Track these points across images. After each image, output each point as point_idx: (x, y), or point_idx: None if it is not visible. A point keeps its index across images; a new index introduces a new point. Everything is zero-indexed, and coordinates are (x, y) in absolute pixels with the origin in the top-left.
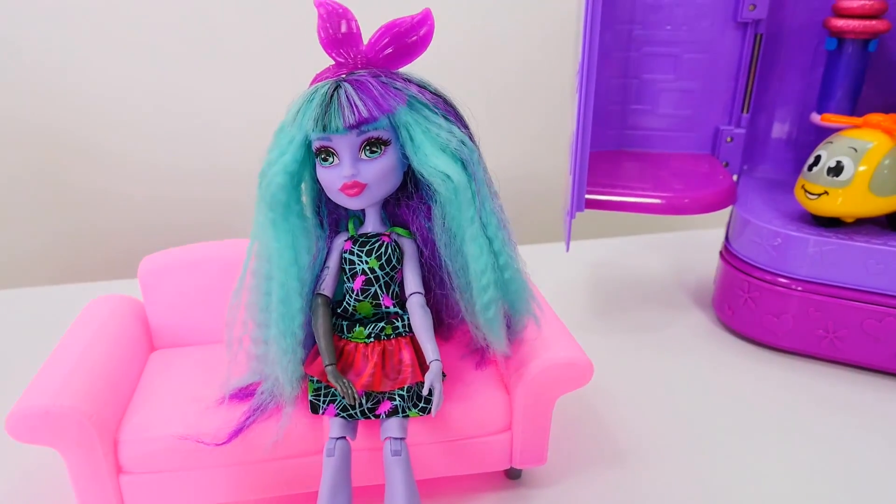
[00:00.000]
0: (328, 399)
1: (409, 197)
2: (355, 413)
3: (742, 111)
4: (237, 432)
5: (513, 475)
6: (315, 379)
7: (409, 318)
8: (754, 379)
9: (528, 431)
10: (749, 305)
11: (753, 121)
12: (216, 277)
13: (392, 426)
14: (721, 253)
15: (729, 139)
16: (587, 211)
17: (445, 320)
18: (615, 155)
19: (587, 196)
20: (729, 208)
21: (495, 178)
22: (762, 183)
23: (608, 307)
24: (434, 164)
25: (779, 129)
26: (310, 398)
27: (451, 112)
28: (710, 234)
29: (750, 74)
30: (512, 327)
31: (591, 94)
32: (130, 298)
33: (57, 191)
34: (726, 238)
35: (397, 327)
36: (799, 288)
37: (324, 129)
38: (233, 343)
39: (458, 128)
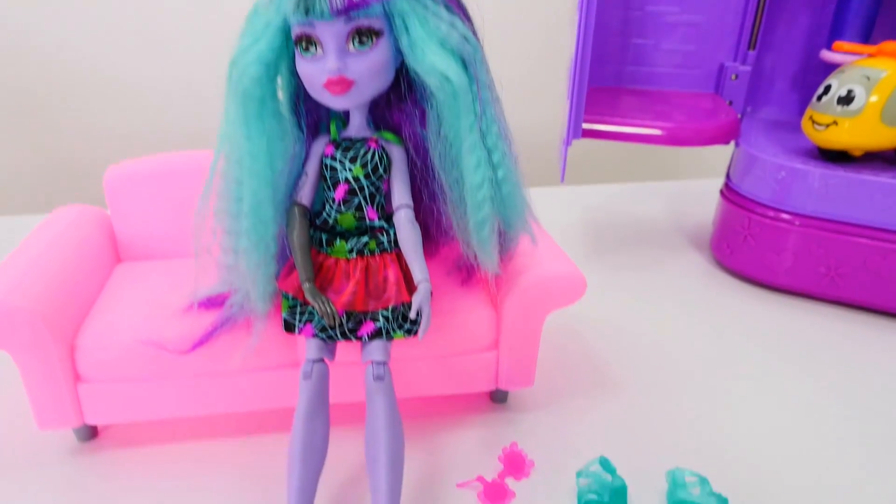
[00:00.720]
0: (305, 318)
1: (400, 99)
2: (334, 334)
3: (748, 48)
4: (202, 342)
5: (498, 398)
6: (290, 296)
7: (395, 233)
8: (749, 317)
9: (516, 351)
10: (749, 243)
11: (760, 59)
12: (187, 188)
13: (375, 349)
14: (721, 191)
15: (734, 77)
16: (584, 155)
17: (434, 235)
18: (615, 90)
19: (584, 125)
20: (730, 153)
21: None
22: (766, 123)
23: (603, 248)
24: (432, 61)
25: (786, 69)
26: (284, 316)
27: (453, 1)
28: (709, 183)
29: (759, 9)
30: (505, 245)
31: (592, 23)
32: (96, 209)
33: (33, 119)
34: (727, 177)
35: (382, 242)
36: (801, 224)
37: (306, 14)
38: (201, 251)
39: (461, 20)
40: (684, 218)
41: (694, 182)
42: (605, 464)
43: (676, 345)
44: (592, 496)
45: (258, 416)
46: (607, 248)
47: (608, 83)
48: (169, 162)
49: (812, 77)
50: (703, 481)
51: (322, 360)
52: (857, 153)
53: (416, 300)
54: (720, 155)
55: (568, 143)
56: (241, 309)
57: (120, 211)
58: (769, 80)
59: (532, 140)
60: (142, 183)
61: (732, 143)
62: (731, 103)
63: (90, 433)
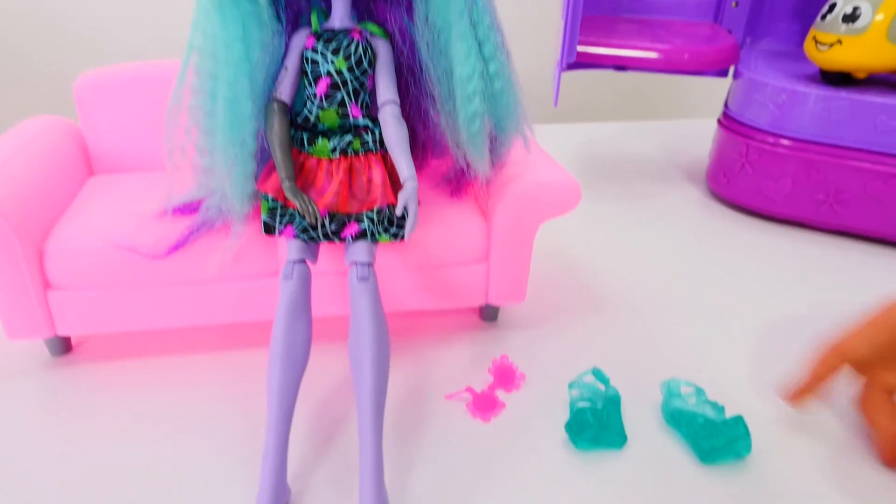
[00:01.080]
0: (285, 220)
1: None
2: (316, 235)
3: None
4: (177, 247)
5: (488, 316)
6: (270, 197)
7: (380, 133)
8: (744, 244)
9: (507, 263)
10: (746, 171)
11: None
12: (161, 98)
13: (359, 250)
14: (719, 121)
15: (734, 4)
16: (579, 93)
17: (421, 139)
18: (612, 19)
19: (579, 48)
20: (726, 91)
21: None
22: (767, 53)
23: (597, 182)
24: None
25: None
26: (263, 218)
27: None
28: (704, 123)
29: None
30: (496, 150)
31: None
32: (67, 120)
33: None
34: (725, 107)
35: (367, 142)
36: (801, 149)
37: None
38: (174, 152)
39: None
40: (678, 155)
41: (688, 122)
42: (598, 374)
43: (670, 268)
44: (584, 403)
45: (236, 329)
46: (601, 182)
47: (606, 12)
48: (143, 70)
49: (814, 8)
50: (699, 391)
51: (304, 262)
52: (861, 75)
53: (402, 197)
54: (715, 95)
55: (562, 66)
56: (219, 212)
57: (91, 121)
58: (770, 9)
59: (525, 75)
60: (114, 92)
61: (730, 76)
62: (730, 32)
63: (63, 346)
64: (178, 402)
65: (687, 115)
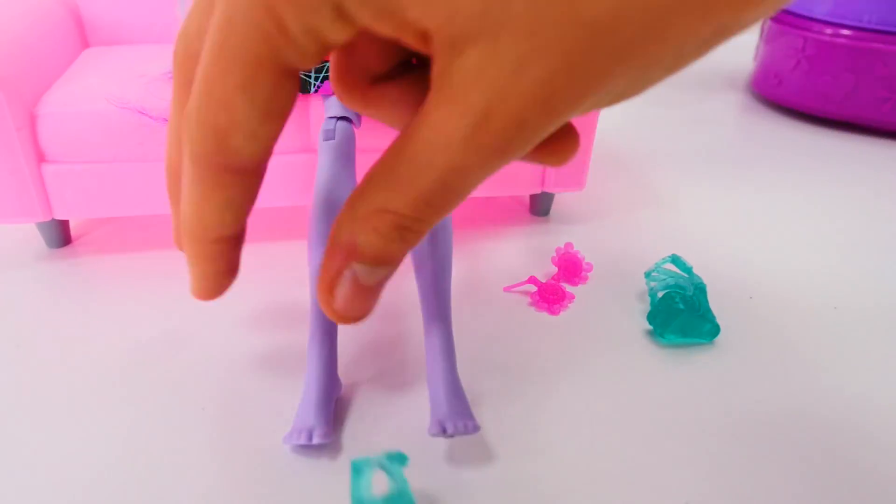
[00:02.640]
0: (322, 74)
1: None
2: None
3: None
4: None
5: (541, 209)
6: None
7: None
8: (796, 148)
9: None
10: (802, 68)
11: None
12: None
13: None
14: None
15: None
16: None
17: None
18: None
19: None
20: None
21: None
22: None
23: None
24: None
25: None
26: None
27: None
28: (746, 36)
29: None
30: None
31: None
32: None
33: None
34: None
35: None
36: (865, 39)
37: None
38: None
39: None
40: (712, 64)
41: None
42: (677, 262)
43: (719, 170)
44: (676, 289)
45: (259, 217)
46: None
47: None
48: None
49: None
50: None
51: (347, 119)
52: None
53: None
54: None
55: None
56: None
57: None
58: None
59: None
60: None
61: None
62: None
63: (61, 236)
64: (183, 294)
65: None
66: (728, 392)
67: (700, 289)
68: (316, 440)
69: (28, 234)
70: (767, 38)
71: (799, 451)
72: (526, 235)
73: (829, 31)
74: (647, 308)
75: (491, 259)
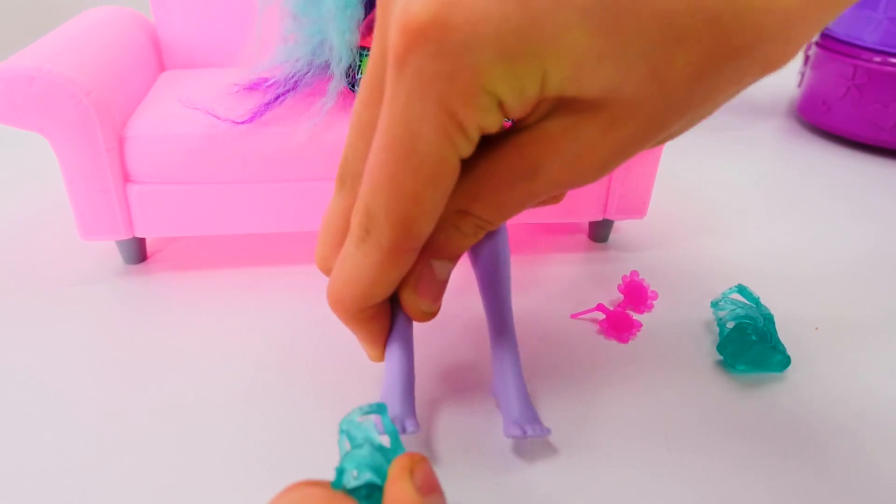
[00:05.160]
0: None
1: None
2: None
3: None
4: (262, 111)
5: (600, 235)
6: None
7: None
8: (847, 176)
9: (632, 174)
10: (852, 95)
11: None
12: None
13: None
14: (817, 44)
15: None
16: None
17: None
18: None
19: None
20: None
21: None
22: None
23: None
24: None
25: None
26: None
27: None
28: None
29: None
30: None
31: None
32: (134, 11)
33: None
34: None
35: None
36: None
37: None
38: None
39: None
40: (754, 89)
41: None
42: (744, 292)
43: (771, 196)
44: (748, 321)
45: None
46: None
47: None
48: None
49: None
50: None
51: None
52: None
53: None
54: None
55: None
56: (311, 66)
57: (164, 13)
58: None
59: None
60: None
61: None
62: None
63: (139, 253)
64: (254, 309)
65: None
66: (801, 424)
67: (769, 319)
68: (409, 429)
69: (108, 251)
70: (814, 65)
71: (868, 480)
72: (587, 262)
73: (878, 59)
74: (715, 338)
75: (555, 285)
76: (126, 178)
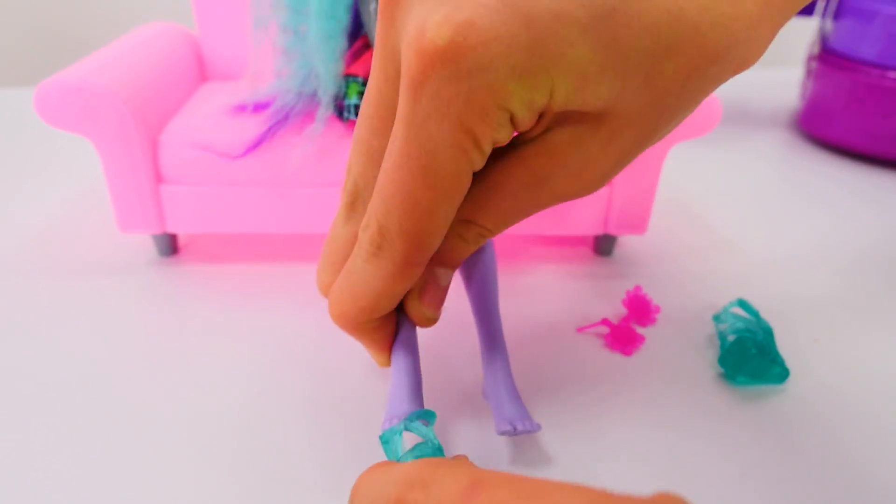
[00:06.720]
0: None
1: None
2: None
3: None
4: (255, 146)
5: (604, 249)
6: (361, 80)
7: None
8: (848, 188)
9: (633, 188)
10: (853, 108)
11: None
12: None
13: None
14: (818, 57)
15: None
16: None
17: None
18: None
19: None
20: (812, 26)
21: None
22: None
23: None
24: None
25: None
26: (354, 103)
27: None
28: (779, 73)
29: None
30: None
31: None
32: (181, 27)
33: None
34: (821, 42)
35: None
36: None
37: None
38: (259, 33)
39: None
40: (755, 102)
41: (765, 70)
42: (744, 306)
43: (775, 209)
44: (748, 334)
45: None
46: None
47: None
48: None
49: None
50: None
51: None
52: None
53: None
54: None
55: None
56: (300, 97)
57: (208, 26)
58: None
59: None
60: None
61: (817, 12)
62: None
63: (171, 246)
64: (283, 304)
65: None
66: (801, 434)
67: (768, 332)
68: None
69: (144, 243)
70: (816, 78)
71: (868, 490)
72: (592, 276)
73: (876, 72)
74: (717, 351)
75: (560, 299)
76: (159, 178)
